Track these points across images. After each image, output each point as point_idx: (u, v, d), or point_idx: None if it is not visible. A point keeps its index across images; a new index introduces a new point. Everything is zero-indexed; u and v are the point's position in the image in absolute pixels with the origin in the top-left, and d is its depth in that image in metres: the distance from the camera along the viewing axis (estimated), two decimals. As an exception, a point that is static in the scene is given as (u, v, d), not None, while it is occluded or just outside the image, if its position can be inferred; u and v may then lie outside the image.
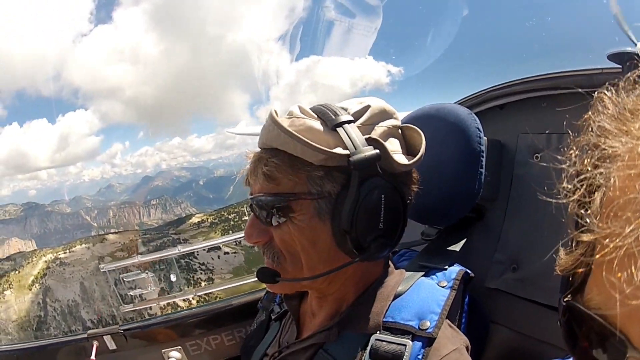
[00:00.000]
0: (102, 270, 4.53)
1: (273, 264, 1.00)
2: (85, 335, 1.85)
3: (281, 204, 0.95)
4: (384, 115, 1.00)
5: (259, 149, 1.01)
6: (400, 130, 1.03)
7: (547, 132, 1.17)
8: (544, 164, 1.17)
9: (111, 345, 1.84)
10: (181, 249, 4.53)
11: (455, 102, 1.37)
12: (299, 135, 0.90)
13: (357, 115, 0.98)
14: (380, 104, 1.01)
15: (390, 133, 1.00)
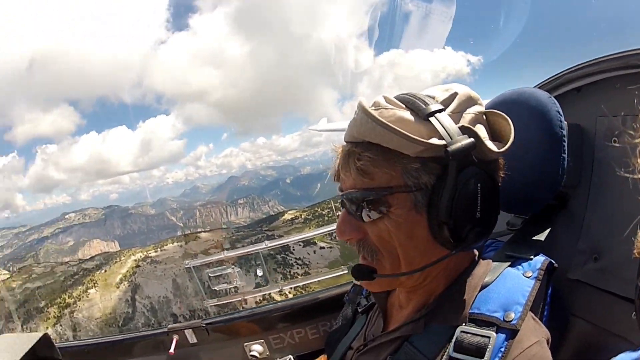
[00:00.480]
0: (186, 267, 4.78)
1: (372, 261, 0.98)
2: (166, 330, 1.95)
3: (376, 199, 0.93)
4: (471, 101, 0.97)
5: (347, 143, 0.98)
6: (484, 116, 1.00)
7: (622, 114, 1.11)
8: (622, 147, 1.11)
9: (192, 339, 1.93)
10: (268, 244, 4.66)
11: (534, 87, 1.33)
12: (396, 128, 0.87)
13: (446, 103, 0.95)
14: (466, 90, 0.98)
15: (477, 119, 0.97)
